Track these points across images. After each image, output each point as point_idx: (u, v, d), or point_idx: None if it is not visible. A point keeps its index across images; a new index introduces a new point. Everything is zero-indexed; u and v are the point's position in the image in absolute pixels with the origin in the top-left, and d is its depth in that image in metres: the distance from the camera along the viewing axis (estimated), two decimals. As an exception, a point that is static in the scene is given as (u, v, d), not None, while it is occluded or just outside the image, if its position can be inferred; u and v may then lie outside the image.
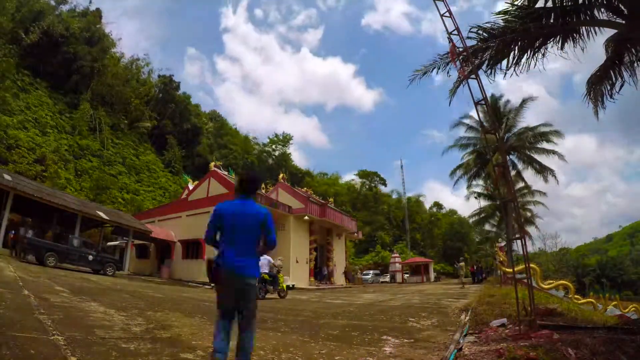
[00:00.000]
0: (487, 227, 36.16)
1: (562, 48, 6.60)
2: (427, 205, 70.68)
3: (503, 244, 22.43)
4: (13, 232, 16.04)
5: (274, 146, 61.68)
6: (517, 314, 4.99)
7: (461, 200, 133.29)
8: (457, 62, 6.15)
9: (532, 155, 22.23)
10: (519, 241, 5.79)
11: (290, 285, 19.30)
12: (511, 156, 22.48)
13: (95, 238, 21.45)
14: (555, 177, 21.97)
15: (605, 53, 6.83)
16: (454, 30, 5.88)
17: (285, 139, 62.22)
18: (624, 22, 6.00)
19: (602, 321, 6.46)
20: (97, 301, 6.91)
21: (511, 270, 12.19)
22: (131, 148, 40.93)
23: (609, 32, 6.51)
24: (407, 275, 39.55)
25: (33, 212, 19.14)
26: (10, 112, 28.41)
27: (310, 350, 4.17)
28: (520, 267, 11.60)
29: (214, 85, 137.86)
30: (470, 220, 37.76)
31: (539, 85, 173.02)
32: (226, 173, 25.89)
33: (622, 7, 5.92)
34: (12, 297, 5.63)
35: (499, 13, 6.63)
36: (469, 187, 26.98)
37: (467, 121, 24.08)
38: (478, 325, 5.73)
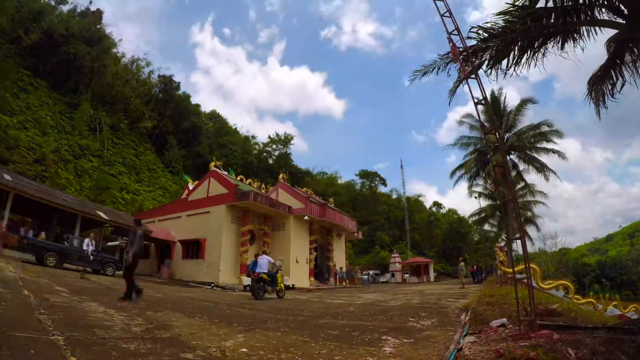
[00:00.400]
0: (487, 227, 36.12)
1: (562, 48, 6.61)
2: (427, 205, 70.84)
3: (503, 244, 22.42)
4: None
5: (274, 146, 61.65)
6: (517, 314, 4.97)
7: (447, 200, 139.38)
8: (457, 63, 6.15)
9: (532, 154, 22.29)
10: (519, 241, 5.78)
11: (290, 285, 19.30)
12: (511, 156, 22.50)
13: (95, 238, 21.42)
14: (557, 175, 22.08)
15: (607, 53, 6.83)
16: (453, 30, 5.86)
17: (286, 139, 62.20)
18: (624, 22, 6.00)
19: (602, 321, 6.45)
20: (97, 301, 6.92)
21: (511, 270, 12.16)
22: (131, 148, 40.88)
23: (609, 32, 6.51)
24: (407, 275, 39.54)
25: (33, 212, 19.14)
26: (11, 112, 28.40)
27: (310, 350, 4.17)
28: (520, 267, 11.58)
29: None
30: (470, 220, 37.70)
31: (513, 91, 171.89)
32: (226, 173, 25.87)
33: (623, 7, 5.93)
34: (12, 297, 5.63)
35: (500, 13, 6.62)
36: (470, 187, 27.04)
37: (467, 120, 24.26)
38: (478, 325, 5.72)
